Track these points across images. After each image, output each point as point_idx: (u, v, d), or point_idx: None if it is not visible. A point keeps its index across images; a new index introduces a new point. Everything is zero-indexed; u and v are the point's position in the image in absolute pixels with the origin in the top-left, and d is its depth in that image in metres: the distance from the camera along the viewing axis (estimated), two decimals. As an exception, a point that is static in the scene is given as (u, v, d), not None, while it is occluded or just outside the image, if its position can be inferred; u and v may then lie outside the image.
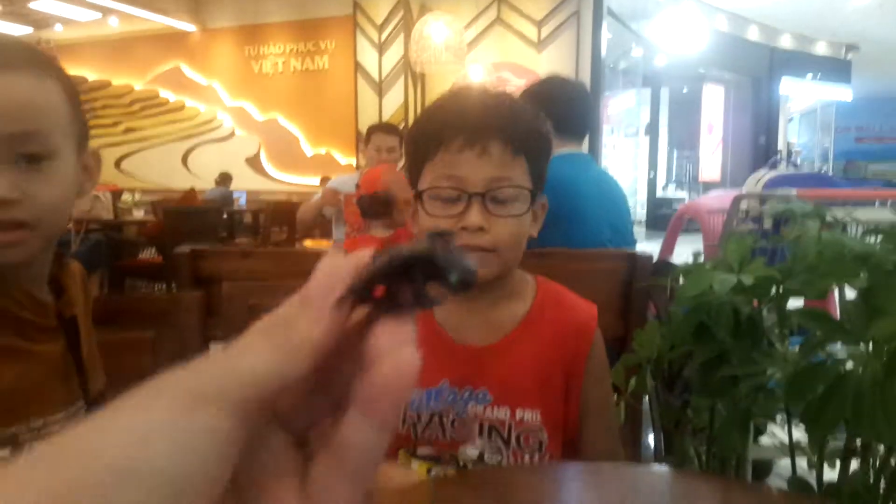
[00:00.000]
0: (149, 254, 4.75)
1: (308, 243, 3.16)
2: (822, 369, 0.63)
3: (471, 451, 0.81)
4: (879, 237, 0.75)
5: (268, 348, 0.22)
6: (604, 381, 0.91)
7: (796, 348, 0.73)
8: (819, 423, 0.62)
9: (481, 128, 0.79)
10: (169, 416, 0.20)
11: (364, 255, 0.24)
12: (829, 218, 0.85)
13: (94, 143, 0.74)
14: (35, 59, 0.66)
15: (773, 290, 0.78)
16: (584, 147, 2.22)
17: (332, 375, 0.25)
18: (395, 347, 0.23)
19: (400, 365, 0.22)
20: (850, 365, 0.63)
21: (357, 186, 2.18)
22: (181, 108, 8.73)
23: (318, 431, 0.25)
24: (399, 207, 2.02)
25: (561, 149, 1.94)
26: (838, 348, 0.65)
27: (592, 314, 0.90)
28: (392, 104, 7.18)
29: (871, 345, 0.62)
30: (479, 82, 6.04)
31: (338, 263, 0.24)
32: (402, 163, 2.96)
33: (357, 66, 7.28)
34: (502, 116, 0.81)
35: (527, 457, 0.84)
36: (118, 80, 9.01)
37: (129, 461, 0.19)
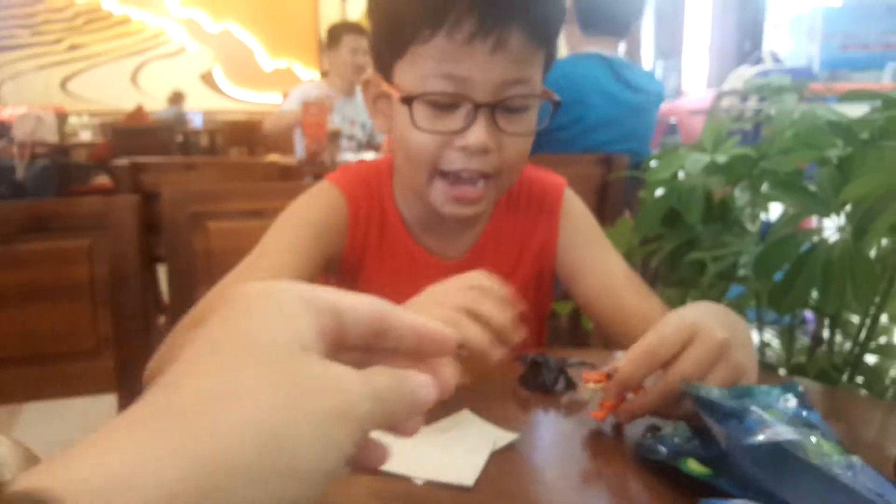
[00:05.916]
0: (102, 180, 4.53)
1: (273, 158, 3.01)
2: (791, 242, 0.60)
3: None
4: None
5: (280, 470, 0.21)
6: (597, 242, 0.76)
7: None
8: (786, 300, 0.60)
9: (500, 8, 0.58)
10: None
11: None
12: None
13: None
14: None
15: (748, 171, 0.75)
16: (620, 50, 1.70)
17: None
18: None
19: None
20: (819, 238, 0.60)
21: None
22: (127, 21, 8.16)
23: None
24: None
25: (587, 46, 1.62)
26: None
27: (558, 188, 0.77)
28: (357, 7, 6.79)
29: (842, 214, 0.59)
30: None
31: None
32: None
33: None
34: None
35: None
36: (56, -8, 8.34)
37: None
